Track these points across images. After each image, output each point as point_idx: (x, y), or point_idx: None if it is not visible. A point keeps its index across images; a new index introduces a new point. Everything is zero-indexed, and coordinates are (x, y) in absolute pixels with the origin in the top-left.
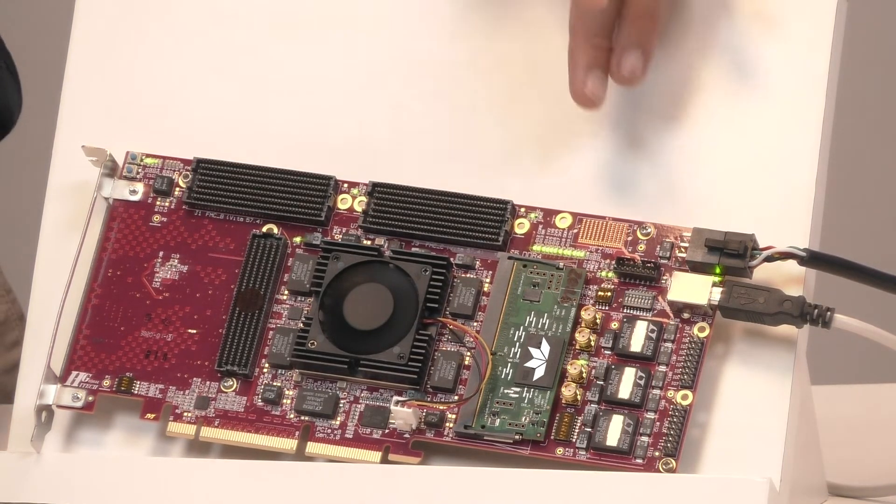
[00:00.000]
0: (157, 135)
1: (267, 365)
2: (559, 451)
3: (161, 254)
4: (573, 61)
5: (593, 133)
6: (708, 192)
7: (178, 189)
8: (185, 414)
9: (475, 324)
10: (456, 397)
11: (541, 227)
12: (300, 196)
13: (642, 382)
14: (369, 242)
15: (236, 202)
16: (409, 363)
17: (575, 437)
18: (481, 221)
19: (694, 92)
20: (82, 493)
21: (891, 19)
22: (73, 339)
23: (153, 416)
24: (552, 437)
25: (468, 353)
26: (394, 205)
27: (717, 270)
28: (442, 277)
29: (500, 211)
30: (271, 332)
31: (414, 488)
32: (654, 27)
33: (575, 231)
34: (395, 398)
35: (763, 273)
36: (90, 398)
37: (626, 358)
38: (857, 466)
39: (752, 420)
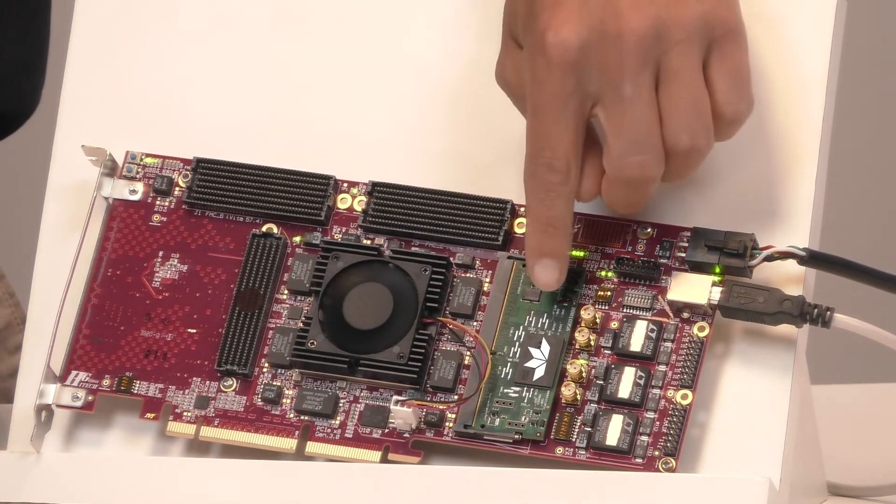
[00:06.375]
0: (157, 135)
1: (267, 364)
2: (559, 450)
3: (161, 253)
4: (526, 247)
5: None
6: (708, 192)
7: (177, 189)
8: (185, 413)
9: (475, 323)
10: (456, 397)
11: None
12: (300, 196)
13: (642, 382)
14: (369, 242)
15: (236, 202)
16: (409, 363)
17: (575, 436)
18: (481, 221)
19: None
20: (82, 492)
21: (891, 19)
22: (73, 338)
23: (153, 415)
24: (552, 437)
25: (468, 353)
26: (394, 204)
27: (717, 270)
28: (442, 277)
29: (500, 210)
30: (271, 332)
31: (414, 488)
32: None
33: (575, 231)
34: (395, 398)
35: (763, 273)
36: (90, 398)
37: (626, 357)
38: (857, 466)
39: (752, 420)
